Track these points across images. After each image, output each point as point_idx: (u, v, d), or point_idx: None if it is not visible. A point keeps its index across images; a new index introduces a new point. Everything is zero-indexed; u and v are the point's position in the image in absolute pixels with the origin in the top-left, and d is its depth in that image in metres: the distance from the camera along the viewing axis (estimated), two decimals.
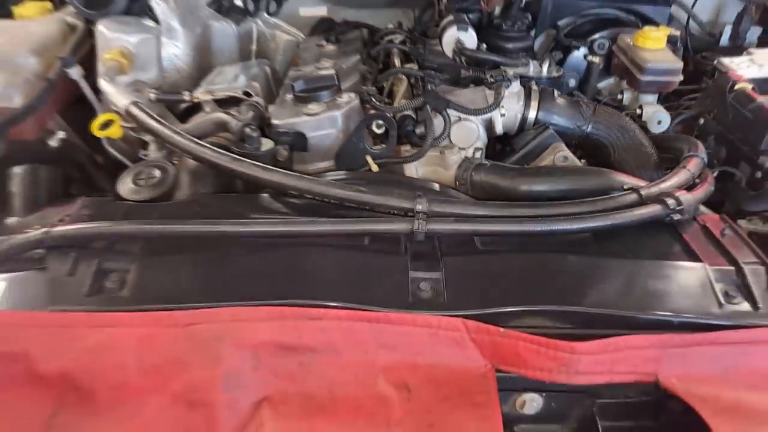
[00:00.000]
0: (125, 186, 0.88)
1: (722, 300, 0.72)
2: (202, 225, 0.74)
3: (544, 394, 0.69)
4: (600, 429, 0.68)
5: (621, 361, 0.65)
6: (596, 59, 1.33)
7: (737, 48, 1.40)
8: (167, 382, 0.65)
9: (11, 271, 0.73)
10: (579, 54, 1.37)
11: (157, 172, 0.89)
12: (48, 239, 0.73)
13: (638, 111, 1.21)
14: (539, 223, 0.76)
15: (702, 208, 0.91)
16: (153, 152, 0.99)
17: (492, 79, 1.04)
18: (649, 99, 1.24)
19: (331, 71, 1.05)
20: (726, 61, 1.29)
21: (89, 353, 0.66)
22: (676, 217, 0.81)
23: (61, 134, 1.16)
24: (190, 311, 0.67)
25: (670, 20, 1.45)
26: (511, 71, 1.08)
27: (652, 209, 0.80)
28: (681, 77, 1.21)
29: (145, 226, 0.74)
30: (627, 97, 1.29)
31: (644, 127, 1.20)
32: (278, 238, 0.75)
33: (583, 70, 1.37)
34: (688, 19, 1.47)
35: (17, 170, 0.98)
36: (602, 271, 0.75)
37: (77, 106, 1.23)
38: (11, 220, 0.95)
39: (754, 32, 1.43)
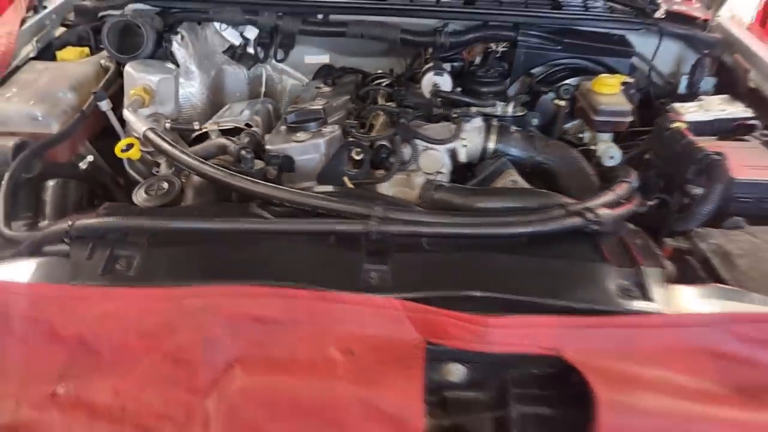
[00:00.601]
0: (139, 195, 1.06)
1: (621, 293, 0.86)
2: (196, 222, 0.91)
3: (466, 365, 0.82)
4: (511, 395, 0.81)
5: (527, 336, 0.79)
6: (562, 103, 1.50)
7: (692, 95, 1.55)
8: (159, 344, 0.81)
9: (42, 256, 0.91)
10: (549, 98, 1.55)
11: (165, 185, 1.07)
12: (72, 230, 0.90)
13: (593, 147, 1.37)
14: (473, 228, 0.92)
15: (630, 225, 1.05)
16: (163, 169, 1.17)
17: (455, 115, 1.21)
18: (605, 137, 1.39)
19: (319, 106, 1.23)
20: (677, 106, 1.45)
21: (99, 319, 0.82)
22: (595, 227, 0.95)
23: (89, 158, 1.35)
24: (181, 288, 0.83)
25: (633, 70, 1.62)
26: (474, 109, 1.25)
27: (573, 221, 0.95)
28: (631, 118, 1.37)
29: (150, 222, 0.91)
30: (587, 136, 1.45)
31: (599, 162, 1.35)
32: (258, 234, 0.92)
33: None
34: (650, 70, 1.64)
35: (50, 183, 1.17)
36: (524, 268, 0.89)
37: (105, 136, 1.43)
38: (43, 224, 1.13)
39: (709, 82, 1.59)
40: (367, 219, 0.92)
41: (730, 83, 1.55)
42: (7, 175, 1.10)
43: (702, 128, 1.35)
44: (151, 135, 1.12)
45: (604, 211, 0.96)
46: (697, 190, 1.14)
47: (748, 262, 0.98)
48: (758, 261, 0.97)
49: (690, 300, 0.87)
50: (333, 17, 1.60)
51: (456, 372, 0.83)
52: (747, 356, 0.81)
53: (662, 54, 1.66)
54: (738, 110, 1.42)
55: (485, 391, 0.84)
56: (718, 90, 1.59)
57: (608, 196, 1.03)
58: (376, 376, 0.77)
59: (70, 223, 0.91)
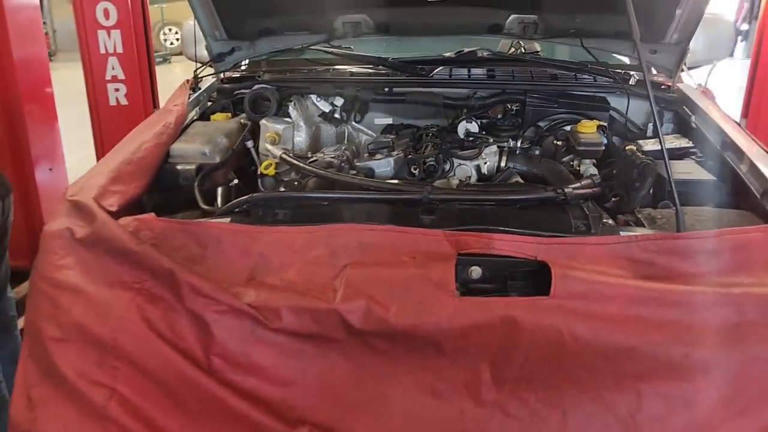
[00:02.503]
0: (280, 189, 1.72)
1: (575, 228, 1.44)
2: (319, 193, 1.55)
3: (481, 267, 1.40)
4: (507, 284, 1.38)
5: (517, 248, 1.37)
6: (559, 143, 2.12)
7: (655, 136, 2.15)
8: (303, 256, 1.41)
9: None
10: (551, 140, 2.17)
11: (295, 183, 1.73)
12: (252, 199, 1.56)
13: (578, 168, 1.97)
14: (485, 195, 1.53)
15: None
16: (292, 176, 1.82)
17: (478, 143, 1.85)
18: (586, 162, 1.99)
19: (389, 139, 1.89)
20: (641, 141, 2.05)
21: (270, 243, 1.43)
22: (562, 197, 1.54)
23: (235, 181, 2.03)
24: (311, 227, 1.44)
25: (613, 121, 2.23)
26: (491, 139, 1.89)
27: (548, 194, 1.55)
28: (603, 148, 1.96)
29: (289, 193, 1.56)
30: (576, 163, 2.05)
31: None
32: (360, 200, 1.55)
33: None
34: (626, 121, 2.24)
35: (220, 189, 1.84)
36: (516, 216, 1.49)
37: (244, 170, 2.11)
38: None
39: (668, 127, 2.19)
40: (422, 192, 1.54)
41: (683, 126, 2.15)
42: (196, 183, 1.77)
43: (656, 155, 1.94)
44: (285, 156, 1.79)
45: (568, 189, 1.56)
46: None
47: (665, 222, 1.55)
48: (669, 219, 1.54)
49: (615, 231, 1.45)
50: (395, 89, 2.30)
51: (476, 271, 1.40)
52: (648, 260, 1.36)
53: (637, 109, 2.27)
54: (682, 143, 2.01)
55: (495, 283, 1.41)
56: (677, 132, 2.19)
57: (575, 185, 1.63)
58: (429, 266, 1.36)
59: (249, 196, 1.56)
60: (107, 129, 3.68)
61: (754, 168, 1.69)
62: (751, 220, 1.56)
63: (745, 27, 12.30)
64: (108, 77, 3.63)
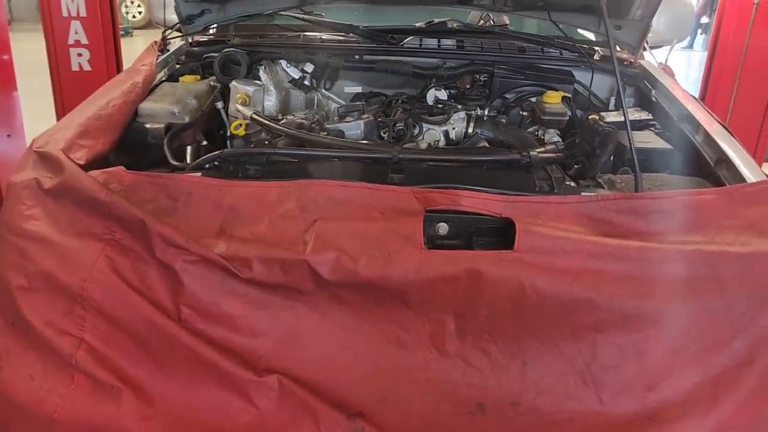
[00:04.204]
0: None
1: (539, 188, 1.49)
2: (290, 149, 1.57)
3: (448, 223, 1.44)
4: (473, 240, 1.42)
5: (482, 204, 1.41)
6: (525, 113, 2.17)
7: (616, 109, 2.22)
8: (274, 209, 1.43)
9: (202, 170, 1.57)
10: (516, 111, 2.22)
11: (265, 142, 1.74)
12: (223, 155, 1.57)
13: (542, 137, 2.03)
14: (452, 155, 1.56)
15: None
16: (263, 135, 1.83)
17: (446, 108, 1.89)
18: (551, 131, 2.05)
19: (359, 104, 1.91)
20: (603, 113, 2.11)
21: (240, 196, 1.43)
22: (527, 160, 1.59)
23: (204, 142, 2.02)
24: (283, 182, 1.46)
25: (578, 94, 2.29)
26: (459, 106, 1.93)
27: (512, 156, 1.59)
28: (567, 118, 2.02)
29: (261, 149, 1.58)
30: (541, 133, 2.10)
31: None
32: (330, 157, 1.57)
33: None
34: (589, 94, 2.30)
35: (190, 148, 1.84)
36: (482, 176, 1.53)
37: (212, 132, 2.11)
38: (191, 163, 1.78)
39: (629, 101, 2.26)
40: (391, 152, 1.57)
41: (643, 100, 2.22)
42: (166, 140, 1.76)
43: (617, 125, 2.00)
44: (255, 116, 1.80)
45: (533, 153, 1.61)
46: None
47: (623, 185, 1.62)
48: (628, 183, 1.60)
49: (577, 191, 1.50)
50: (366, 57, 2.32)
51: (442, 227, 1.44)
52: (607, 218, 1.41)
53: (600, 83, 2.33)
54: (642, 115, 2.09)
55: (460, 240, 1.45)
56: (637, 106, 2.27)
57: (539, 149, 1.68)
58: (398, 220, 1.39)
59: (221, 151, 1.57)
60: (69, 95, 3.60)
61: (708, 138, 1.77)
62: (705, 185, 1.63)
63: (705, 20, 12.59)
64: (71, 42, 3.54)
